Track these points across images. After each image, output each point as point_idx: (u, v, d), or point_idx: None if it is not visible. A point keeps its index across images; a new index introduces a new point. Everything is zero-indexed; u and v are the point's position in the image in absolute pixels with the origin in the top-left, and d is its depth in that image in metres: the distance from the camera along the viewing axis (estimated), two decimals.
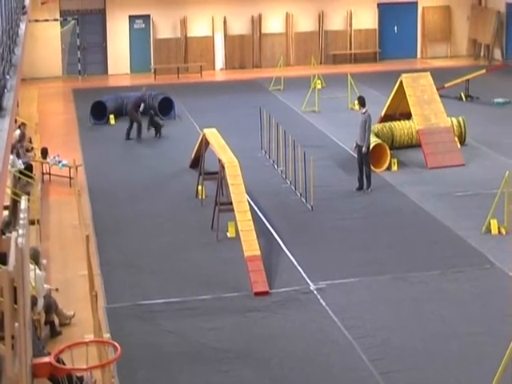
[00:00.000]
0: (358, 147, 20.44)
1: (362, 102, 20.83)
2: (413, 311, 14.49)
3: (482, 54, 39.04)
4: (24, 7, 18.18)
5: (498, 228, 17.74)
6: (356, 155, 20.79)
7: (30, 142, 23.77)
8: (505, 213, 17.75)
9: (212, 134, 19.71)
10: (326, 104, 29.35)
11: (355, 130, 21.96)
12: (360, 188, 20.35)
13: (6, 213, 16.22)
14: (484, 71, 31.52)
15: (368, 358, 12.88)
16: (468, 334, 13.61)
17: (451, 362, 12.77)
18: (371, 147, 21.74)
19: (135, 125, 25.86)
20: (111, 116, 27.85)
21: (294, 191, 20.59)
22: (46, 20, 35.35)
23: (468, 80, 30.79)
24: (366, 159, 20.39)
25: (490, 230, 17.74)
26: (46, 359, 9.63)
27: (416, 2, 39.31)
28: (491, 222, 17.77)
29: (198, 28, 37.20)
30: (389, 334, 13.63)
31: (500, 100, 30.30)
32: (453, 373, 12.45)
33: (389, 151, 22.20)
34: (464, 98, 30.51)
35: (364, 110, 20.60)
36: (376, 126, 23.80)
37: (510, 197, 17.80)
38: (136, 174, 22.46)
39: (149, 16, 36.70)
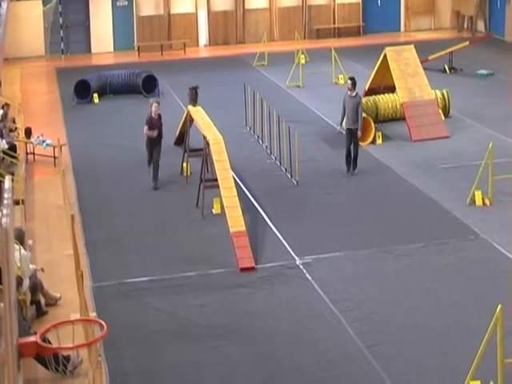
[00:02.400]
0: (349, 130, 19.79)
1: (354, 84, 19.96)
2: (398, 284, 14.51)
3: (465, 25, 38.94)
4: None
5: (483, 199, 17.76)
6: (345, 138, 19.97)
7: (14, 122, 23.63)
8: (489, 184, 17.75)
9: (196, 111, 19.63)
10: (310, 79, 29.24)
11: (338, 107, 21.89)
12: (348, 170, 19.76)
13: None
14: (467, 43, 31.48)
15: (354, 331, 12.90)
16: (453, 306, 13.64)
17: (436, 334, 12.80)
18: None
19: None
20: (95, 95, 27.66)
21: (278, 167, 20.53)
22: None
23: (452, 52, 30.74)
24: (357, 141, 19.88)
25: (475, 202, 17.77)
26: (32, 339, 9.60)
27: None
28: (475, 193, 17.79)
29: (181, 5, 36.97)
30: (375, 308, 13.64)
31: (483, 71, 30.26)
32: (438, 345, 12.47)
33: (373, 125, 22.16)
34: (448, 71, 30.46)
35: (355, 93, 19.92)
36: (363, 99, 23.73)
37: (494, 168, 17.81)
38: (121, 152, 22.35)
39: None
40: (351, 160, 19.75)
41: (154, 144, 19.42)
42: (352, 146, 19.70)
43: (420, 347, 12.43)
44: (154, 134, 19.17)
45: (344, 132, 20.24)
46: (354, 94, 19.85)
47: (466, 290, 14.19)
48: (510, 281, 14.43)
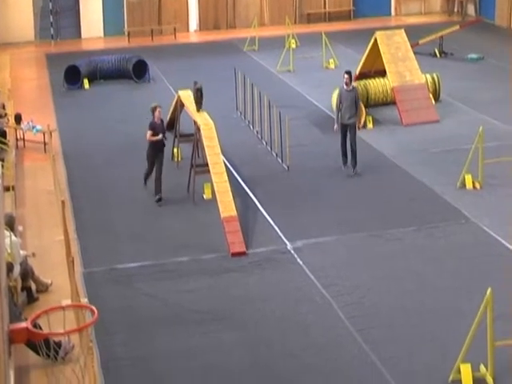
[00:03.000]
0: (344, 126, 18.69)
1: (351, 78, 18.93)
2: (389, 268, 14.53)
3: (455, 9, 38.88)
4: None
5: (473, 183, 17.78)
6: (340, 134, 18.84)
7: (3, 108, 23.48)
8: (479, 167, 17.76)
9: (187, 96, 19.55)
10: (301, 63, 29.17)
11: (329, 91, 21.96)
12: (346, 162, 18.82)
13: None
14: (458, 27, 31.43)
15: (345, 315, 12.92)
16: (443, 290, 13.67)
17: (427, 317, 12.83)
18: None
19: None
20: (85, 80, 27.52)
21: (269, 152, 20.50)
22: None
23: (442, 36, 30.69)
24: (355, 137, 18.73)
25: (465, 185, 17.78)
26: (23, 325, 9.59)
27: None
28: (466, 177, 17.80)
29: None
30: (365, 292, 13.67)
31: (474, 55, 30.24)
32: (429, 328, 12.51)
33: (364, 109, 22.12)
34: (438, 55, 30.42)
35: (351, 87, 18.86)
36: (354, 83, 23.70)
37: (484, 152, 17.82)
38: (111, 137, 22.29)
39: None
40: (346, 153, 18.81)
41: (157, 152, 17.80)
42: (351, 144, 18.64)
43: (410, 331, 12.46)
44: (160, 137, 17.73)
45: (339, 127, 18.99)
46: (350, 88, 18.80)
47: (456, 274, 14.22)
48: (500, 264, 14.48)
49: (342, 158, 18.89)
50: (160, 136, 17.73)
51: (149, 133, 17.78)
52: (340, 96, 18.83)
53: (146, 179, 18.21)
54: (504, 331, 11.50)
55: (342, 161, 18.90)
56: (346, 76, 18.76)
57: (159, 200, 17.51)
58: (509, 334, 11.59)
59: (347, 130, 18.73)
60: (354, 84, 20.68)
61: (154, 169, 17.78)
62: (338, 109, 18.80)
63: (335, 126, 18.91)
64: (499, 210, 16.74)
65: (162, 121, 18.22)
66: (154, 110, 17.95)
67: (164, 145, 17.99)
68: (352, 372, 11.53)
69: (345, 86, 18.75)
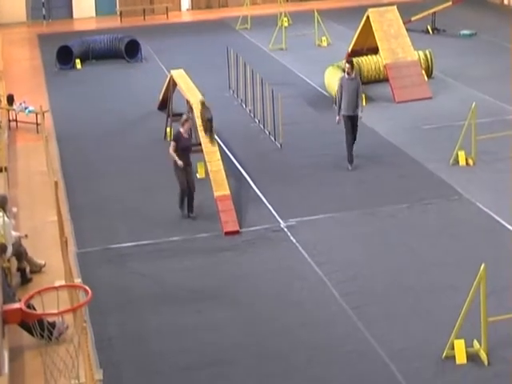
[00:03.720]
0: (350, 118, 17.59)
1: (352, 67, 17.79)
2: (382, 245, 14.51)
3: None
4: None
5: (466, 159, 17.75)
6: (345, 127, 17.69)
7: None
8: (472, 144, 17.73)
9: (179, 75, 19.51)
10: (293, 41, 29.12)
11: (321, 69, 21.78)
12: (352, 162, 17.67)
13: None
14: (450, 3, 31.40)
15: (339, 292, 12.90)
16: (437, 266, 13.66)
17: (420, 293, 12.81)
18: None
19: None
20: (77, 60, 27.47)
21: (262, 130, 20.44)
22: None
23: (434, 13, 30.67)
24: (357, 131, 17.72)
25: (458, 162, 17.76)
26: (17, 305, 9.58)
27: None
28: (459, 153, 17.77)
29: None
30: (359, 269, 13.64)
31: (466, 32, 30.18)
32: (422, 304, 12.49)
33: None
34: (431, 31, 30.38)
35: (353, 76, 17.69)
36: (343, 62, 23.62)
37: (477, 128, 17.78)
38: (104, 117, 22.21)
39: None
40: (353, 156, 17.69)
41: (187, 167, 15.76)
42: (353, 135, 17.69)
43: (404, 307, 12.44)
44: (180, 163, 15.46)
45: (343, 120, 17.76)
46: (352, 77, 17.64)
47: (449, 250, 14.20)
48: (494, 240, 14.46)
49: (348, 157, 17.67)
50: (180, 163, 15.47)
51: (172, 145, 15.69)
52: (341, 86, 17.66)
53: (182, 202, 15.83)
54: (497, 307, 11.50)
55: (348, 160, 17.67)
56: (347, 65, 17.76)
57: (193, 218, 15.73)
58: (502, 309, 11.59)
59: (353, 124, 17.64)
60: (346, 56, 20.08)
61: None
62: (339, 99, 17.68)
63: (337, 118, 17.80)
64: (492, 186, 16.72)
65: (190, 135, 16.21)
66: (183, 122, 15.88)
67: (189, 158, 15.85)
68: (346, 349, 11.50)
69: (346, 76, 17.70)
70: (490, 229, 14.89)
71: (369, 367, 11.07)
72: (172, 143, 15.72)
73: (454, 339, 11.05)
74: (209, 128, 16.50)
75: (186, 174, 15.69)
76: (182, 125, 15.83)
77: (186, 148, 15.74)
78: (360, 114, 17.70)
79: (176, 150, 15.54)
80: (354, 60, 23.41)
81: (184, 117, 16.11)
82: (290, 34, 29.34)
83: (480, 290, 10.85)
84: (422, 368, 10.94)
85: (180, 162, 15.45)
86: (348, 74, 17.70)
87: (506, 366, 10.91)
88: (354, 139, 17.76)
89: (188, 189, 15.71)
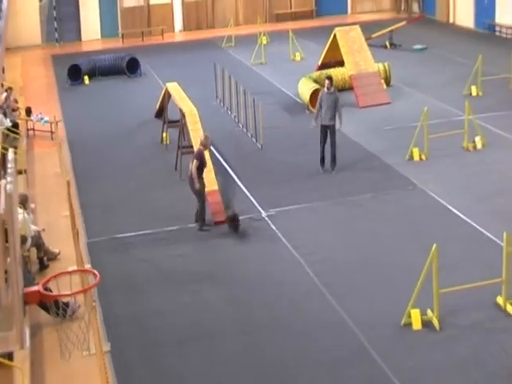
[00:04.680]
0: (324, 128, 17.23)
1: (331, 82, 17.31)
2: (350, 230, 14.48)
3: (402, 7, 38.73)
4: None
5: (419, 155, 17.75)
6: (320, 135, 17.35)
7: (16, 102, 23.20)
8: (424, 142, 17.73)
9: (173, 87, 19.41)
10: (271, 57, 29.02)
11: (295, 79, 21.72)
12: (324, 165, 17.31)
13: None
14: (404, 22, 31.40)
15: (313, 272, 12.87)
16: (396, 246, 13.66)
17: (382, 271, 12.80)
18: (310, 92, 21.64)
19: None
20: (85, 77, 27.28)
21: (245, 133, 20.38)
22: None
23: (391, 30, 30.64)
24: (335, 138, 17.22)
25: (413, 157, 17.75)
26: (35, 288, 9.50)
27: None
28: (413, 150, 17.76)
29: None
30: (330, 251, 13.63)
31: (418, 46, 30.18)
32: (384, 280, 12.49)
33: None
34: (388, 46, 30.35)
35: (332, 90, 17.23)
36: (314, 73, 23.63)
37: (429, 128, 17.80)
38: (109, 125, 22.09)
39: None
40: (325, 158, 17.30)
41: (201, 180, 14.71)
42: (331, 145, 17.19)
43: (369, 282, 12.44)
44: (197, 186, 14.48)
45: (320, 128, 17.39)
46: (331, 91, 17.19)
47: (406, 233, 14.20)
48: (444, 223, 14.47)
49: (320, 162, 17.30)
50: (198, 186, 14.45)
51: (195, 163, 14.50)
52: (321, 98, 17.23)
53: (203, 218, 14.64)
54: (447, 280, 11.49)
55: (320, 164, 17.31)
56: (327, 81, 17.27)
57: (204, 228, 14.71)
58: (451, 282, 11.58)
59: (327, 132, 17.25)
60: (316, 69, 19.95)
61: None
62: (318, 110, 17.25)
63: (313, 124, 17.47)
64: (442, 177, 16.73)
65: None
66: (204, 142, 14.82)
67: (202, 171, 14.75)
68: (320, 320, 11.48)
69: (326, 90, 17.22)
70: (440, 214, 14.90)
71: (339, 335, 11.06)
72: (195, 161, 14.54)
73: (411, 309, 11.07)
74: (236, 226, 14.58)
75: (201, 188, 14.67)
76: (202, 144, 14.81)
77: (204, 166, 14.75)
78: (338, 125, 17.33)
79: (198, 168, 14.56)
80: (324, 71, 23.54)
81: (203, 135, 15.14)
82: (268, 51, 29.24)
83: (432, 266, 10.87)
84: (384, 334, 10.95)
85: (198, 185, 14.43)
86: (328, 88, 17.28)
87: (455, 330, 10.94)
88: (333, 146, 17.27)
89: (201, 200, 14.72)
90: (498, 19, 32.27)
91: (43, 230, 14.12)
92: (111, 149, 19.96)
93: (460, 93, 22.75)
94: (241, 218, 14.95)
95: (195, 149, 16.38)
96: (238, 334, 11.29)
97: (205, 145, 14.97)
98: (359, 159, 18.10)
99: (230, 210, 14.89)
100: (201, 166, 14.73)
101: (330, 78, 17.63)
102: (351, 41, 23.60)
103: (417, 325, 11.00)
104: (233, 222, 14.50)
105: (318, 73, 23.61)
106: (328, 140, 17.35)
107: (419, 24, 33.64)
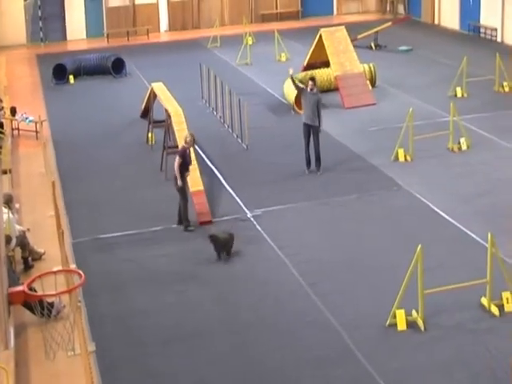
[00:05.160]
0: (307, 126, 17.29)
1: (315, 83, 17.34)
2: (334, 230, 14.51)
3: (388, 9, 38.83)
4: None
5: (405, 156, 17.81)
6: (303, 133, 17.39)
7: (1, 102, 23.11)
8: (409, 143, 17.80)
9: (159, 88, 19.39)
10: (257, 57, 29.01)
11: (281, 80, 21.73)
12: (309, 169, 17.30)
13: None
14: (390, 24, 31.47)
15: (298, 272, 12.89)
16: (381, 247, 13.69)
17: (367, 271, 12.83)
18: (295, 94, 21.65)
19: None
20: (70, 76, 27.18)
21: (231, 133, 20.38)
22: None
23: (377, 32, 30.71)
24: (318, 139, 17.22)
25: (398, 158, 17.80)
26: (20, 288, 9.49)
27: None
28: (398, 151, 17.82)
29: None
30: (315, 251, 13.65)
31: (404, 47, 30.28)
32: (369, 281, 12.52)
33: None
34: (374, 47, 30.42)
35: (315, 91, 17.31)
36: (300, 74, 23.64)
37: (414, 129, 17.87)
38: (94, 125, 22.02)
39: None
40: (311, 158, 17.31)
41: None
42: (314, 145, 17.20)
43: (353, 283, 12.47)
44: (180, 183, 14.57)
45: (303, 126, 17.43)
46: (314, 92, 17.24)
47: (391, 233, 14.24)
48: (428, 224, 14.53)
49: (306, 163, 17.31)
50: (180, 183, 14.53)
51: (177, 160, 14.62)
52: (304, 95, 17.32)
53: (186, 218, 14.62)
54: (431, 281, 11.53)
55: (306, 165, 17.32)
56: (310, 82, 17.25)
57: (189, 228, 14.66)
58: (435, 283, 11.63)
59: (310, 132, 17.22)
60: (302, 69, 19.97)
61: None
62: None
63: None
64: (427, 178, 16.79)
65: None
66: (190, 141, 14.93)
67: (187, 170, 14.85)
68: (304, 319, 11.50)
69: (309, 90, 17.27)
70: (425, 215, 14.95)
71: (324, 335, 11.09)
72: (177, 159, 14.62)
73: (396, 309, 11.11)
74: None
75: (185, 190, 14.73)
76: (186, 142, 14.88)
77: (188, 164, 14.87)
78: (320, 129, 17.32)
79: (180, 166, 14.61)
80: (309, 72, 23.58)
81: (189, 137, 14.96)
82: (254, 51, 29.23)
83: (417, 267, 10.91)
84: (369, 334, 10.98)
85: (180, 182, 14.52)
86: (311, 89, 17.28)
87: (440, 331, 10.99)
88: (317, 148, 17.26)
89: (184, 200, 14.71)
90: (483, 21, 32.42)
91: (28, 229, 14.07)
92: (96, 149, 19.89)
93: (445, 94, 22.85)
94: (227, 218, 14.96)
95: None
96: (223, 333, 11.29)
97: (188, 142, 14.98)
98: (344, 160, 18.13)
99: (225, 232, 13.75)
100: (184, 164, 14.73)
101: (313, 78, 17.72)
102: (337, 42, 23.65)
103: (402, 325, 11.03)
104: (226, 244, 13.55)
105: (304, 73, 23.63)
106: (312, 141, 17.40)
107: (404, 25, 33.77)
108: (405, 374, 10.14)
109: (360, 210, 15.33)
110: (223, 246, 13.46)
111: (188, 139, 14.97)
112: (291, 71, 18.16)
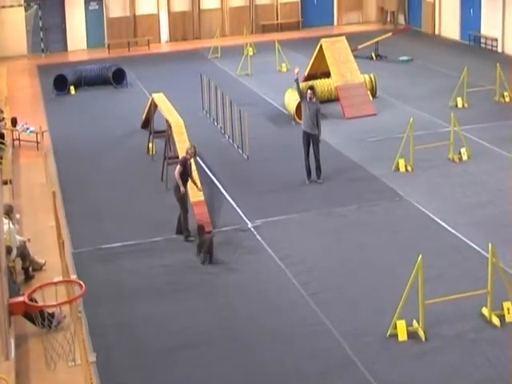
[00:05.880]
0: (307, 134, 17.36)
1: (314, 92, 17.40)
2: (335, 241, 14.53)
3: (388, 19, 38.96)
4: None
5: (405, 166, 17.85)
6: (302, 141, 17.46)
7: (1, 112, 23.17)
8: (410, 153, 17.84)
9: (160, 98, 19.45)
10: (258, 68, 29.08)
11: (282, 90, 21.81)
12: (309, 178, 17.38)
13: None
14: (390, 34, 31.55)
15: (298, 282, 12.91)
16: (382, 257, 13.71)
17: (368, 281, 12.85)
18: (296, 103, 21.71)
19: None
20: (71, 87, 27.26)
21: (231, 144, 20.43)
22: (12, 6, 34.34)
23: (377, 42, 30.79)
24: (318, 147, 17.32)
25: (399, 168, 17.84)
26: (21, 299, 9.50)
27: None
28: (399, 161, 17.86)
29: (145, 7, 36.49)
30: (315, 261, 13.66)
31: (404, 58, 30.37)
32: (369, 290, 12.53)
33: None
34: (374, 58, 30.51)
35: (315, 100, 17.37)
36: (301, 84, 23.62)
37: (414, 139, 17.91)
38: (94, 135, 22.07)
39: None
40: (311, 168, 17.37)
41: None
42: (314, 154, 17.29)
43: (353, 293, 12.48)
44: (183, 189, 14.62)
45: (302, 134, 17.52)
46: (314, 101, 17.29)
47: (392, 244, 14.26)
48: (429, 234, 14.55)
49: (306, 173, 17.38)
50: (183, 189, 14.58)
51: (178, 169, 14.68)
52: (304, 103, 17.39)
53: (186, 228, 14.67)
54: (432, 291, 11.57)
55: (306, 175, 17.38)
56: (309, 91, 17.28)
57: (189, 238, 14.67)
58: (436, 293, 11.66)
59: (310, 140, 17.30)
60: (303, 80, 20.11)
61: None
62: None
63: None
64: (428, 188, 16.83)
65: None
66: (191, 150, 14.96)
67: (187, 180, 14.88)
68: (305, 329, 11.52)
69: (308, 99, 17.31)
70: (426, 225, 14.97)
71: (324, 344, 11.10)
72: (178, 167, 14.68)
73: (397, 319, 11.12)
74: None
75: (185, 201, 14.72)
76: (188, 153, 14.88)
77: (188, 175, 14.86)
78: (320, 137, 17.41)
79: (181, 175, 14.66)
80: (310, 82, 23.62)
81: (191, 149, 14.96)
82: (254, 62, 29.33)
83: (418, 277, 10.93)
84: (370, 345, 10.98)
85: (183, 189, 14.58)
86: (310, 98, 17.35)
87: (441, 341, 11.00)
88: (317, 157, 17.36)
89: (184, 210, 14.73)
90: (483, 31, 32.52)
91: (28, 240, 14.10)
92: (97, 159, 19.94)
93: (445, 104, 22.91)
94: (227, 228, 14.99)
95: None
96: (223, 343, 11.30)
97: (190, 154, 15.01)
98: (345, 170, 18.17)
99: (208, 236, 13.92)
100: (184, 174, 14.77)
101: (312, 87, 17.78)
102: (337, 52, 23.74)
103: (402, 336, 11.04)
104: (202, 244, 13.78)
105: (305, 84, 23.64)
106: (312, 150, 17.45)
107: (405, 36, 33.87)
108: None
109: (361, 220, 15.35)
110: (199, 246, 13.71)
111: (190, 150, 14.98)
112: (297, 70, 18.16)
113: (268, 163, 18.90)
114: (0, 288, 9.75)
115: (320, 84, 23.82)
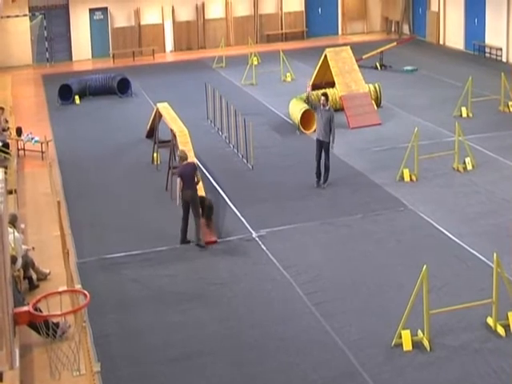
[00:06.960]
0: (320, 142, 17.51)
1: (327, 99, 17.49)
2: (339, 250, 14.53)
3: (392, 29, 39.08)
4: None
5: (410, 176, 17.86)
6: (316, 148, 17.62)
7: (6, 122, 23.28)
8: (415, 163, 17.85)
9: (164, 108, 19.53)
10: (262, 77, 29.16)
11: (286, 100, 21.90)
12: (319, 182, 17.63)
13: None
14: (395, 44, 31.65)
15: (303, 292, 12.91)
16: (386, 267, 13.70)
17: (372, 291, 12.85)
18: (301, 113, 21.76)
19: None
20: (76, 97, 27.37)
21: (236, 153, 20.46)
22: (17, 16, 34.49)
23: (382, 52, 30.85)
24: (329, 154, 17.52)
25: (403, 178, 17.85)
26: (26, 308, 9.51)
27: None
28: (404, 171, 17.87)
29: (150, 17, 36.63)
30: (320, 271, 13.66)
31: (409, 67, 30.41)
32: (374, 300, 12.53)
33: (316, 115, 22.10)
34: (379, 67, 30.56)
35: (328, 107, 17.44)
36: (305, 94, 23.72)
37: (419, 149, 17.92)
38: (100, 145, 22.14)
39: (106, 8, 36.01)
40: (322, 172, 17.58)
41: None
42: (324, 159, 17.48)
43: (359, 303, 12.48)
44: (178, 202, 15.01)
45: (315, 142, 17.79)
46: (327, 109, 17.38)
47: (397, 253, 14.26)
48: (434, 244, 14.55)
49: (316, 177, 17.56)
50: (178, 202, 14.98)
51: (179, 182, 14.97)
52: (318, 111, 17.63)
53: (184, 235, 14.95)
54: (437, 301, 11.57)
55: (316, 180, 17.58)
56: (322, 98, 17.47)
57: (201, 245, 14.82)
58: (441, 303, 11.67)
59: (322, 147, 17.46)
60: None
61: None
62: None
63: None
64: (432, 198, 16.83)
65: (193, 165, 15.16)
66: (181, 154, 15.32)
67: (195, 190, 14.90)
68: (309, 339, 11.51)
69: (321, 107, 17.43)
70: (430, 235, 14.97)
71: (329, 355, 11.09)
72: (178, 180, 14.95)
73: (401, 329, 11.11)
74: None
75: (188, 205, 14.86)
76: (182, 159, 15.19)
77: (193, 177, 14.93)
78: (332, 145, 17.52)
79: (184, 183, 14.80)
80: (315, 92, 23.66)
81: (182, 152, 15.39)
82: (259, 71, 29.41)
83: (423, 287, 10.93)
84: (375, 355, 10.97)
85: (178, 201, 14.92)
86: (323, 105, 17.41)
87: (445, 351, 10.99)
88: (326, 163, 17.51)
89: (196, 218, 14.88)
90: (488, 41, 32.58)
91: (33, 248, 14.14)
92: (102, 168, 19.99)
93: (450, 114, 22.94)
94: (232, 238, 15.01)
95: None
96: (228, 352, 11.31)
97: (181, 157, 15.25)
98: (349, 180, 18.18)
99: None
100: (186, 181, 14.81)
101: (325, 94, 17.86)
102: (342, 62, 23.79)
103: (407, 345, 11.04)
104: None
105: (315, 92, 23.71)
106: (322, 156, 17.57)
107: (409, 45, 33.94)
108: None
109: (365, 230, 15.36)
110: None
111: (180, 154, 15.31)
112: (309, 89, 18.90)
113: (273, 173, 18.93)
114: (5, 298, 9.76)
115: None
